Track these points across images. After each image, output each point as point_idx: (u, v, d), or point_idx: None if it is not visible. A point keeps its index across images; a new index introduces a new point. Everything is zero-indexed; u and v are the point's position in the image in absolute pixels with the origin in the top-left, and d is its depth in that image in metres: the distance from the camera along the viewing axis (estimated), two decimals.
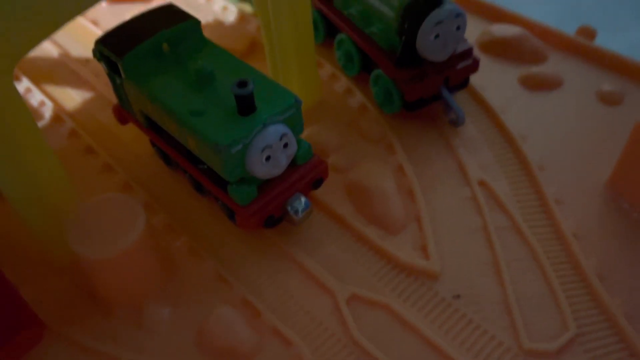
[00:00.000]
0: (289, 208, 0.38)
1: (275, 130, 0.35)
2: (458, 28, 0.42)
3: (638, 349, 0.33)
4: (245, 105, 0.34)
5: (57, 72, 0.55)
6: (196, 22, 0.40)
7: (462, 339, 0.35)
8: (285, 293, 0.37)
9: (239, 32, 0.57)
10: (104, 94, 0.52)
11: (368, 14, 0.46)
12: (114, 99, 0.51)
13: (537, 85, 0.49)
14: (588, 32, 0.53)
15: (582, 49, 0.51)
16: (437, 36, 0.41)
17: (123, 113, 0.44)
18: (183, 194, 0.43)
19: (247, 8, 0.60)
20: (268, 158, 0.35)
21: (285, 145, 0.36)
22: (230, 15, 0.59)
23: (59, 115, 0.50)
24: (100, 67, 0.55)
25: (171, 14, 0.41)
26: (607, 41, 0.53)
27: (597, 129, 0.46)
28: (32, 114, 0.34)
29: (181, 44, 0.39)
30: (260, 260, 0.39)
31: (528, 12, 0.55)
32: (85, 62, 0.56)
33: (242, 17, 0.59)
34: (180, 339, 0.36)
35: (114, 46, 0.39)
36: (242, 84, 0.33)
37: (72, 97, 0.52)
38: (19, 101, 0.32)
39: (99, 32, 0.58)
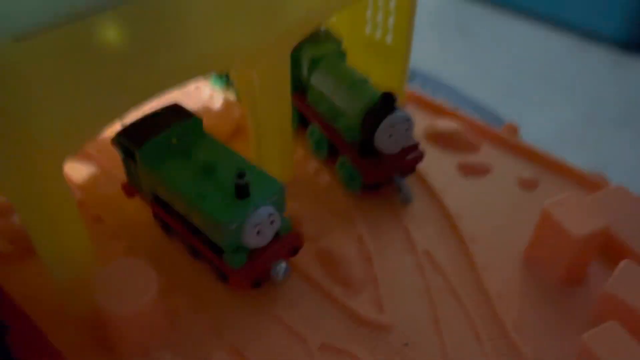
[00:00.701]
0: (272, 272, 0.47)
1: (265, 210, 0.44)
2: (407, 129, 0.53)
3: None
4: (242, 192, 0.44)
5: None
6: (199, 120, 0.50)
7: None
8: (267, 342, 0.46)
9: (225, 117, 0.67)
10: (107, 167, 0.61)
11: (335, 112, 0.57)
12: (117, 174, 0.60)
13: (471, 171, 0.61)
14: (512, 129, 0.65)
15: (508, 142, 0.63)
16: (390, 135, 0.52)
17: (131, 189, 0.52)
18: (180, 258, 0.52)
19: (232, 96, 0.70)
20: (258, 232, 0.44)
21: (272, 222, 0.45)
22: (217, 102, 0.70)
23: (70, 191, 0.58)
24: (103, 145, 0.64)
25: (177, 111, 0.50)
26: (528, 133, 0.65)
27: (517, 210, 0.57)
28: None
29: (186, 137, 0.49)
30: (247, 315, 0.47)
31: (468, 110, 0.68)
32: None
33: (227, 104, 0.69)
34: None
35: (132, 137, 0.48)
36: (241, 175, 0.43)
37: (79, 170, 0.60)
38: (64, 184, 0.40)
39: None
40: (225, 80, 0.71)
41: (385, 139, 0.53)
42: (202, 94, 0.71)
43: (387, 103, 0.52)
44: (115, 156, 0.62)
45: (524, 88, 1.38)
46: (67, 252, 0.43)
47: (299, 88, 0.61)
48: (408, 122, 0.53)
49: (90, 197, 0.57)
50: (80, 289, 0.45)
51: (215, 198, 0.44)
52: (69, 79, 0.37)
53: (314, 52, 0.59)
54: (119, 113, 0.41)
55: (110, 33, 0.37)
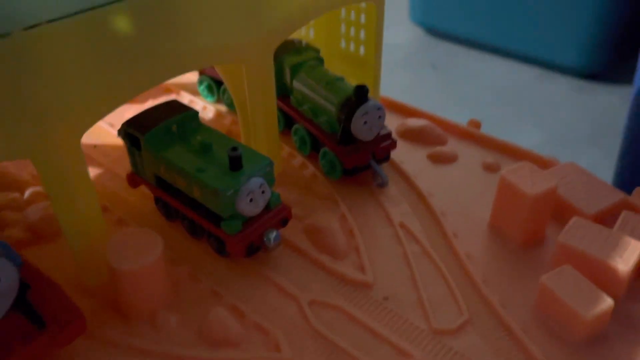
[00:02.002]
0: (265, 238, 0.52)
1: (256, 181, 0.50)
2: (379, 117, 0.60)
3: (511, 327, 0.48)
4: (236, 164, 0.50)
5: None
6: (196, 112, 0.57)
7: (390, 325, 0.49)
8: (263, 301, 0.51)
9: (217, 125, 0.74)
10: (112, 169, 0.67)
11: (316, 109, 0.64)
12: (119, 172, 0.66)
13: (440, 159, 0.68)
14: (475, 123, 0.72)
15: (471, 134, 0.71)
16: (365, 122, 0.59)
17: (135, 178, 0.58)
18: (181, 237, 0.57)
19: (222, 108, 0.78)
20: (251, 200, 0.50)
21: (263, 192, 0.51)
22: (209, 113, 0.77)
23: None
24: (107, 151, 0.71)
25: (176, 106, 0.57)
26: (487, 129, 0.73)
27: (482, 188, 0.64)
28: None
29: (185, 126, 0.55)
30: (243, 280, 0.53)
31: (435, 111, 0.76)
32: (93, 146, 0.71)
33: (219, 114, 0.76)
34: (186, 333, 0.48)
35: (137, 127, 0.54)
36: (234, 149, 0.49)
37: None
38: (82, 157, 0.46)
39: (103, 126, 0.73)
40: (216, 92, 0.78)
41: (360, 126, 0.59)
42: (196, 106, 0.78)
43: (360, 94, 0.59)
44: (119, 159, 0.68)
45: (494, 116, 1.47)
46: (83, 219, 0.48)
47: (284, 92, 0.68)
48: (380, 110, 0.60)
49: (97, 192, 0.63)
50: (95, 255, 0.50)
51: (212, 171, 0.50)
52: (82, 63, 0.44)
53: (295, 60, 0.67)
54: (125, 96, 0.48)
55: (119, 23, 0.44)
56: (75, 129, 0.45)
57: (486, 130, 0.72)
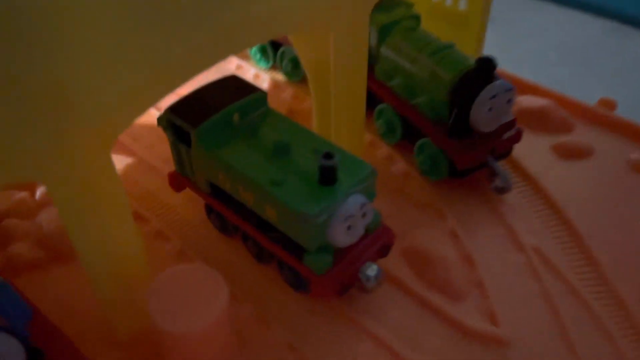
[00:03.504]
0: (362, 276, 0.38)
1: (356, 200, 0.35)
2: (509, 101, 0.44)
3: None
4: (330, 176, 0.35)
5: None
6: (263, 94, 0.41)
7: None
8: None
9: (275, 100, 0.58)
10: (144, 158, 0.52)
11: (414, 85, 0.48)
12: (155, 163, 0.51)
13: (569, 153, 0.52)
14: (609, 103, 0.56)
15: (607, 119, 0.55)
16: (490, 109, 0.44)
17: (181, 180, 0.44)
18: (242, 261, 0.43)
19: (279, 77, 0.62)
20: (349, 227, 0.35)
21: (364, 215, 0.36)
22: (263, 83, 0.61)
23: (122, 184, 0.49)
24: (138, 132, 0.56)
25: (237, 85, 0.42)
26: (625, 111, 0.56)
27: (634, 197, 0.48)
28: None
29: (250, 114, 0.40)
30: (330, 329, 0.39)
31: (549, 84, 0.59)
32: None
33: (275, 85, 0.61)
34: None
35: (186, 116, 0.39)
36: (328, 155, 0.34)
37: (114, 162, 0.52)
38: (115, 175, 0.32)
39: None
40: (272, 57, 0.62)
41: (483, 114, 0.44)
42: (246, 75, 0.62)
43: (485, 70, 0.43)
44: (153, 144, 0.54)
45: (561, 74, 1.28)
46: (115, 256, 0.34)
47: None
48: (510, 91, 0.44)
49: (128, 193, 0.47)
50: (130, 303, 0.36)
51: (292, 184, 0.36)
52: (118, 34, 0.28)
53: (384, 19, 0.51)
54: (177, 80, 0.33)
55: None
56: (106, 134, 0.30)
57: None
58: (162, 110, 0.41)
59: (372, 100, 0.54)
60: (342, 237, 0.35)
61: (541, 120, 0.55)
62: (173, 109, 0.40)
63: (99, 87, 0.29)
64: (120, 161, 0.52)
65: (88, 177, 0.31)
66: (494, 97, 0.43)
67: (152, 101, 0.32)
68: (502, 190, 0.47)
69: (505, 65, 0.60)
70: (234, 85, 0.42)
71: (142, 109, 0.31)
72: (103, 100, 0.29)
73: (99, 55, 0.28)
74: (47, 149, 0.28)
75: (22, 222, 0.45)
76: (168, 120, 0.40)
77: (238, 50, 0.35)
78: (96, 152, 0.30)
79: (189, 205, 0.47)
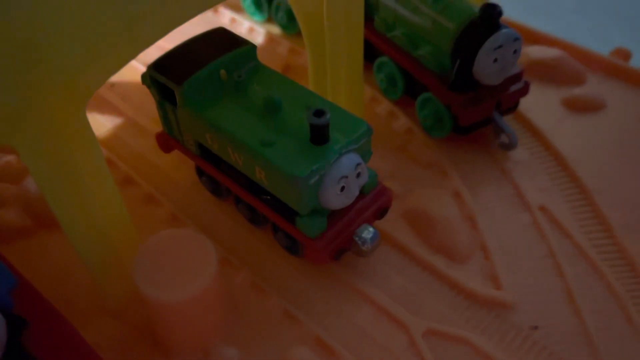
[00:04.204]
0: (357, 239, 0.36)
1: (350, 160, 0.33)
2: (515, 52, 0.41)
3: None
4: (321, 135, 0.33)
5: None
6: (253, 47, 0.39)
7: None
8: (357, 329, 0.36)
9: (270, 55, 0.55)
10: (134, 119, 0.50)
11: (416, 36, 0.46)
12: (145, 124, 0.49)
13: (581, 107, 0.49)
14: (623, 54, 0.53)
15: (621, 70, 0.51)
16: (495, 60, 0.41)
17: (169, 141, 0.42)
18: (235, 224, 0.41)
19: (275, 30, 0.59)
20: (342, 189, 0.34)
21: (359, 175, 0.34)
22: (259, 37, 0.58)
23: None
24: (128, 91, 0.53)
25: (225, 38, 0.39)
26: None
27: None
28: None
29: (239, 70, 0.38)
30: (327, 295, 0.37)
31: (555, 31, 0.56)
32: (110, 86, 0.54)
33: (271, 39, 0.58)
34: None
35: (170, 73, 0.37)
36: (319, 113, 0.32)
37: (101, 123, 0.50)
38: (91, 135, 0.30)
39: None
40: (267, 10, 0.59)
41: (488, 65, 0.41)
42: (239, 28, 0.59)
43: (490, 18, 0.40)
44: (144, 104, 0.51)
45: (578, 23, 1.22)
46: (98, 222, 0.32)
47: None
48: (517, 41, 0.41)
49: (117, 155, 0.47)
50: (117, 271, 0.35)
51: (284, 145, 0.33)
52: None
53: None
54: (154, 33, 0.30)
55: None
56: (79, 92, 0.28)
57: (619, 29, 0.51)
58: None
59: (371, 53, 0.51)
60: (335, 199, 0.33)
61: (551, 72, 0.52)
62: (156, 65, 0.37)
63: (67, 39, 0.26)
64: (108, 122, 0.50)
65: (62, 138, 0.29)
66: (499, 47, 0.40)
67: (128, 56, 0.29)
68: (508, 146, 0.45)
69: (517, 13, 0.56)
70: (221, 39, 0.39)
71: (117, 65, 0.29)
72: (73, 53, 0.27)
73: (66, 6, 0.26)
74: (15, 107, 0.26)
75: (9, 187, 0.43)
76: (152, 77, 0.38)
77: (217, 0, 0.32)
78: (70, 111, 0.28)
79: (180, 168, 0.45)
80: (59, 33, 0.26)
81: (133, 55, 0.30)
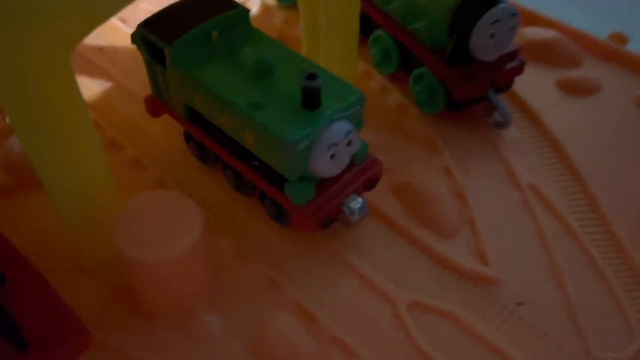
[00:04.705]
0: (345, 209, 0.36)
1: (342, 127, 0.33)
2: (512, 28, 0.41)
3: None
4: (313, 99, 0.32)
5: (72, 60, 0.51)
6: (246, 11, 0.38)
7: (528, 346, 0.34)
8: (341, 298, 0.35)
9: (264, 25, 0.54)
10: (123, 83, 0.49)
11: (412, 10, 0.45)
12: (134, 89, 0.48)
13: (575, 89, 0.49)
14: (620, 38, 0.52)
15: (617, 54, 0.51)
16: (492, 35, 0.40)
17: (158, 105, 0.41)
18: (222, 192, 0.41)
19: (270, 0, 0.58)
20: (332, 156, 0.33)
21: (349, 143, 0.34)
22: (253, 7, 0.57)
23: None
24: (117, 56, 0.52)
25: (219, 1, 0.38)
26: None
27: (639, 134, 0.45)
28: None
29: (230, 33, 0.37)
30: (312, 264, 0.37)
31: (557, 16, 0.55)
32: (99, 50, 0.53)
33: (266, 9, 0.57)
34: (234, 348, 0.33)
35: (161, 32, 0.36)
36: (312, 76, 0.31)
37: (90, 88, 0.49)
38: (77, 92, 0.29)
39: (112, 20, 0.54)
40: None
41: (484, 40, 0.40)
42: None
43: None
44: (133, 68, 0.50)
45: (577, 6, 1.20)
46: (81, 182, 0.32)
47: None
48: (515, 17, 0.41)
49: (104, 119, 0.46)
50: (100, 231, 0.34)
51: (274, 109, 0.33)
52: None
53: None
54: None
55: None
56: (63, 40, 0.27)
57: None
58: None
59: (367, 27, 0.51)
60: (325, 166, 0.33)
61: (547, 54, 0.51)
62: (147, 23, 0.37)
63: None
64: (97, 86, 0.49)
65: (46, 92, 0.28)
66: (496, 21, 0.40)
67: (114, 5, 0.28)
68: (501, 125, 0.44)
69: None
70: (215, 1, 0.38)
71: (104, 13, 0.28)
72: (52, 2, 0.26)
73: None
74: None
75: None
76: (142, 36, 0.37)
77: None
78: (53, 62, 0.27)
79: (169, 133, 0.45)
80: None
81: (119, 6, 0.29)
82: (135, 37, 0.37)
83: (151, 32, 0.36)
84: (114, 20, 0.55)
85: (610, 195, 0.41)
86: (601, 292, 0.36)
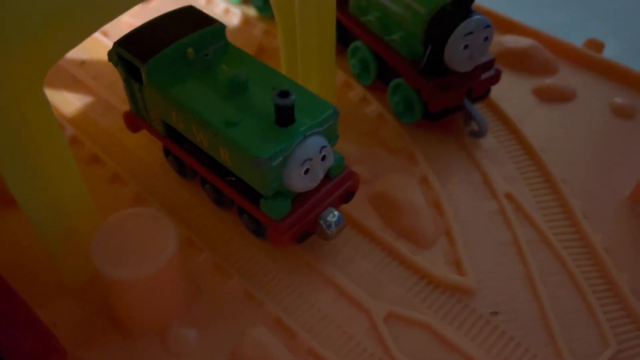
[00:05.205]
0: (322, 222, 0.36)
1: (315, 142, 0.33)
2: (486, 39, 0.41)
3: None
4: (286, 116, 0.32)
5: (53, 74, 0.51)
6: (221, 27, 0.38)
7: (504, 357, 0.34)
8: (318, 312, 0.36)
9: (245, 37, 0.55)
10: (105, 97, 0.49)
11: (389, 21, 0.45)
12: (115, 103, 0.49)
13: (551, 97, 0.49)
14: (596, 45, 0.53)
15: (592, 61, 0.52)
16: (466, 46, 0.41)
17: (136, 120, 0.41)
18: (201, 206, 0.41)
19: (251, 12, 0.58)
20: (307, 171, 0.33)
21: (324, 158, 0.34)
22: (234, 19, 0.57)
23: (58, 122, 0.47)
24: (98, 69, 0.53)
25: (194, 17, 0.39)
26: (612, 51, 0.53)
27: (614, 142, 0.46)
28: None
29: (206, 49, 0.37)
30: (289, 277, 0.37)
31: (533, 23, 0.56)
32: (80, 63, 0.53)
33: (246, 21, 0.57)
34: (211, 357, 0.33)
35: (136, 50, 0.36)
36: (284, 94, 0.32)
37: (71, 102, 0.49)
38: (49, 112, 0.29)
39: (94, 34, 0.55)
40: None
41: (458, 52, 0.41)
42: (214, 9, 0.59)
43: (461, 4, 0.40)
44: (114, 82, 0.51)
45: (556, 16, 1.21)
46: (56, 201, 0.32)
47: None
48: (488, 28, 0.41)
49: (84, 134, 0.46)
50: (76, 249, 0.34)
51: (248, 126, 0.33)
52: None
53: None
54: (115, 6, 0.30)
55: None
56: (35, 68, 0.28)
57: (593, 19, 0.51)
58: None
59: (346, 38, 0.51)
60: (299, 181, 0.33)
61: (524, 62, 0.52)
62: (122, 42, 0.37)
63: (23, 7, 0.26)
64: (78, 100, 0.49)
65: (19, 115, 0.28)
66: (470, 33, 0.40)
67: (87, 28, 0.29)
68: (478, 134, 0.45)
69: (495, 3, 0.56)
70: (190, 17, 0.38)
71: (77, 37, 0.29)
72: (29, 22, 0.26)
73: None
74: None
75: None
76: (118, 54, 0.37)
77: None
78: (26, 88, 0.28)
79: (149, 147, 0.45)
80: (10, 6, 0.25)
81: (93, 29, 0.29)
82: (112, 54, 0.38)
83: (127, 51, 0.36)
84: (96, 34, 0.55)
85: (584, 202, 0.41)
86: (575, 301, 0.36)
